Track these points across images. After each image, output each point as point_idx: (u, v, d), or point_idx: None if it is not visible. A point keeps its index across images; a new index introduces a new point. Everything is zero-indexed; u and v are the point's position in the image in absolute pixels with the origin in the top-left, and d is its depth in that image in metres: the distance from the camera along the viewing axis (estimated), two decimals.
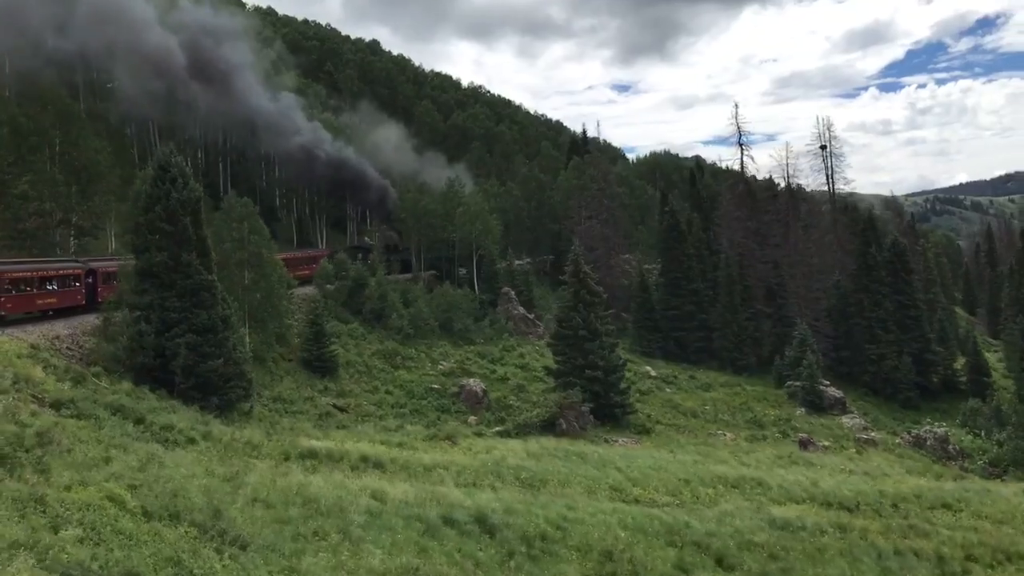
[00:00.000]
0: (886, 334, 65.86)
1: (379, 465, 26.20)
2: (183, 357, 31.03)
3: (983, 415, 60.33)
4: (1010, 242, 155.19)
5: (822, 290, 68.73)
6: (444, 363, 52.51)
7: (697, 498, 26.43)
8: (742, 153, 71.57)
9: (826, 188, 74.92)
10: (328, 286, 54.71)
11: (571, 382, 46.53)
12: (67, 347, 31.33)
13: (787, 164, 75.25)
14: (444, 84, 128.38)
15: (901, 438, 50.14)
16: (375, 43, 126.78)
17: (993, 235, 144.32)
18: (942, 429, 51.04)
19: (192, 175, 34.01)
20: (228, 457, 24.43)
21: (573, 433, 43.58)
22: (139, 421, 25.05)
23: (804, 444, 43.72)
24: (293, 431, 31.90)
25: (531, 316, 62.94)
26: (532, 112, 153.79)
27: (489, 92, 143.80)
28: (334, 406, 41.29)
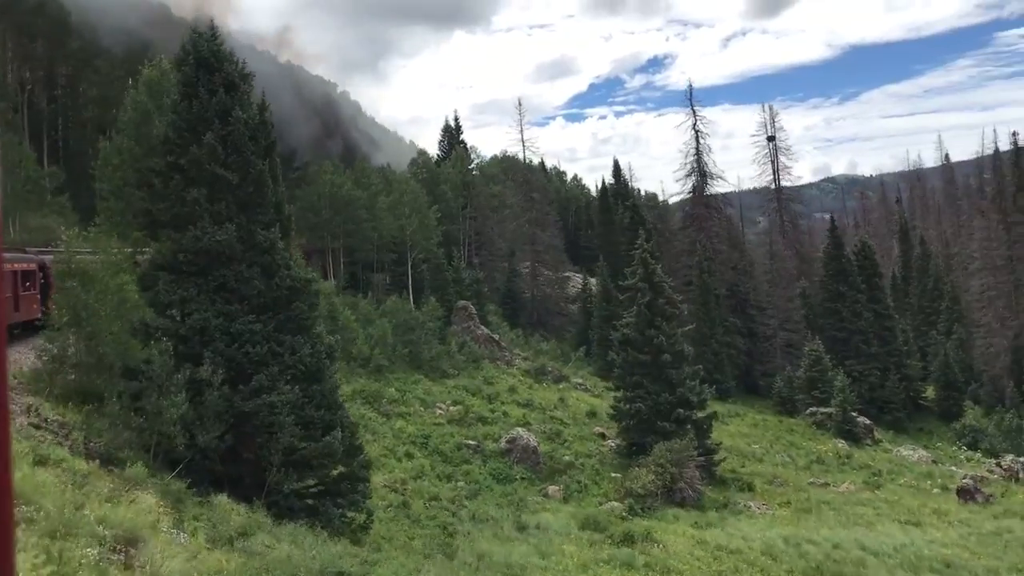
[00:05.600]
0: (867, 347, 60.26)
1: None
2: (286, 432, 16.00)
3: (988, 434, 56.16)
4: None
5: (793, 299, 61.89)
6: (441, 407, 38.68)
7: None
8: (698, 143, 63.34)
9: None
10: None
11: (654, 425, 34.90)
12: (38, 422, 15.15)
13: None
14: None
15: (994, 471, 43.47)
16: None
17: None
18: None
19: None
20: None
21: (693, 501, 32.03)
22: None
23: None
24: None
25: (495, 337, 50.05)
26: None
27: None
28: (385, 487, 26.64)
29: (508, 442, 34.22)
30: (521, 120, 66.75)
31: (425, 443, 33.79)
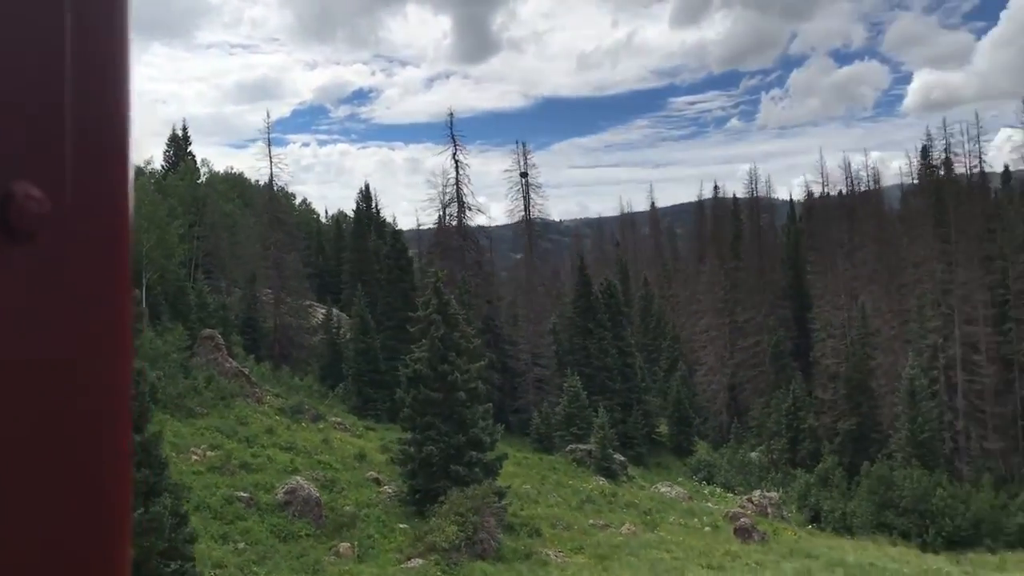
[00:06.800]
0: (613, 384, 62.01)
1: None
2: None
3: (721, 469, 59.64)
4: None
5: (544, 335, 62.36)
6: (196, 451, 33.62)
7: None
8: (457, 172, 61.98)
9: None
10: None
11: (447, 469, 32.51)
12: None
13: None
14: None
15: (747, 507, 45.53)
16: None
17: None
18: (772, 494, 47.80)
19: None
20: None
21: (494, 552, 29.94)
22: None
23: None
24: None
25: (245, 371, 45.16)
26: None
27: None
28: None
29: (286, 493, 30.13)
30: (269, 136, 61.72)
31: (187, 496, 28.82)
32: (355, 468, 38.31)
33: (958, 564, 31.62)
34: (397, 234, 58.45)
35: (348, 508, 32.02)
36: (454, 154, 61.56)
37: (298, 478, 31.42)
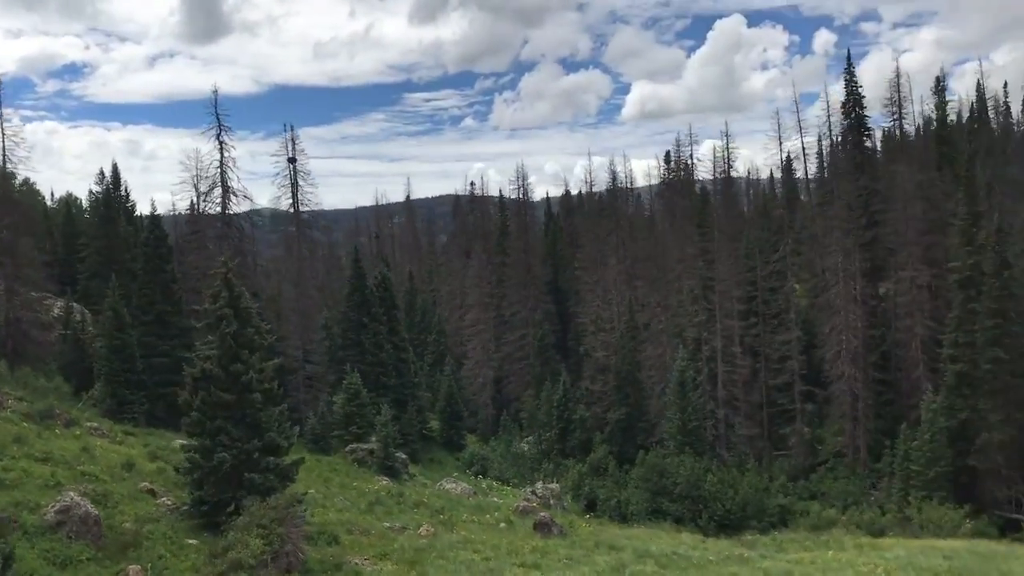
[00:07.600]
0: (388, 379, 60.93)
1: None
2: None
3: (494, 461, 60.46)
4: None
5: (317, 330, 60.07)
6: None
7: None
8: (222, 155, 57.65)
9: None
10: None
11: (240, 478, 30.09)
12: None
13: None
14: None
15: (531, 499, 46.09)
16: None
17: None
18: (554, 485, 48.75)
19: None
20: None
21: (301, 565, 28.00)
22: None
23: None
24: None
25: None
26: None
27: None
28: None
29: (58, 512, 26.27)
30: (0, 104, 53.62)
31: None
32: (125, 479, 34.51)
33: (742, 546, 33.66)
34: (156, 220, 53.47)
35: (128, 525, 28.69)
36: (218, 135, 57.43)
37: (72, 494, 27.62)
